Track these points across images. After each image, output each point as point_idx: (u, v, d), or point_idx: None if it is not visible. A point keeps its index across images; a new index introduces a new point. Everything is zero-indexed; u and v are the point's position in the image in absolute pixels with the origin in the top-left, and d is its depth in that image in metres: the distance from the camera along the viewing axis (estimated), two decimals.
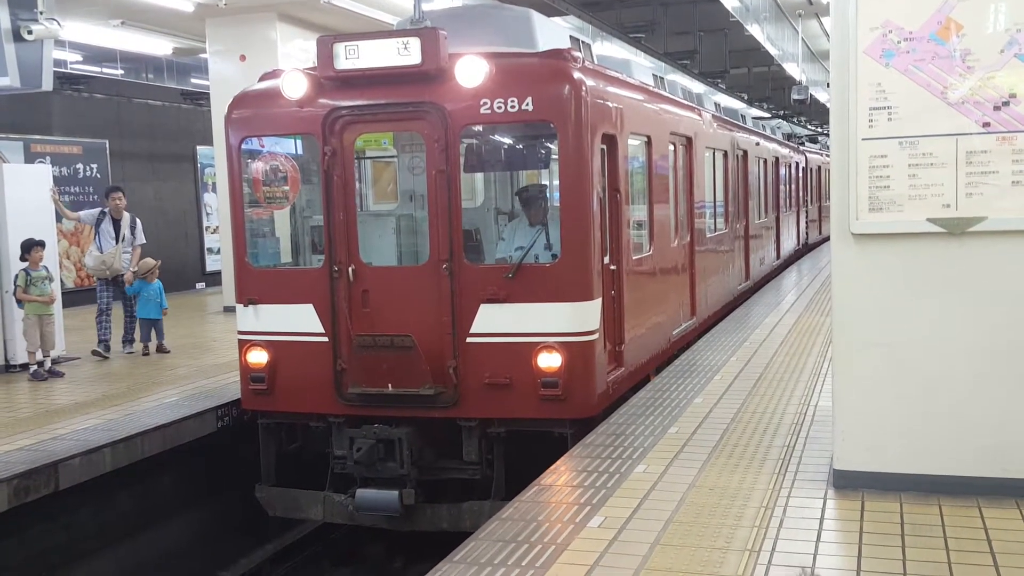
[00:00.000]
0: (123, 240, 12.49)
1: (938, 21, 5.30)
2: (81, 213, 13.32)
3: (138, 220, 12.95)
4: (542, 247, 8.17)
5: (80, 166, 18.93)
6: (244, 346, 8.42)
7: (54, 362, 11.25)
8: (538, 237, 8.23)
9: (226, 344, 12.60)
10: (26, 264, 10.91)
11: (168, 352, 12.51)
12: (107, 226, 12.52)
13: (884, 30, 5.38)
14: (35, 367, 10.89)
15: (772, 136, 21.83)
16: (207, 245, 22.31)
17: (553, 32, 9.13)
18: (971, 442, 5.45)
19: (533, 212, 8.59)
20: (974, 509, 5.26)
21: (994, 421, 5.41)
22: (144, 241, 12.88)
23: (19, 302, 11.00)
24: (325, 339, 8.10)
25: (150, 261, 12.71)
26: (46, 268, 11.07)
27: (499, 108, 7.56)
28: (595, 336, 7.82)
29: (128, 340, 12.69)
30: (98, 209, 12.89)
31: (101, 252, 12.35)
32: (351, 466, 7.99)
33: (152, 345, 12.49)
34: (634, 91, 9.78)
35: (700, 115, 12.88)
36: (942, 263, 5.44)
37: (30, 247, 10.92)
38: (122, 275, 12.42)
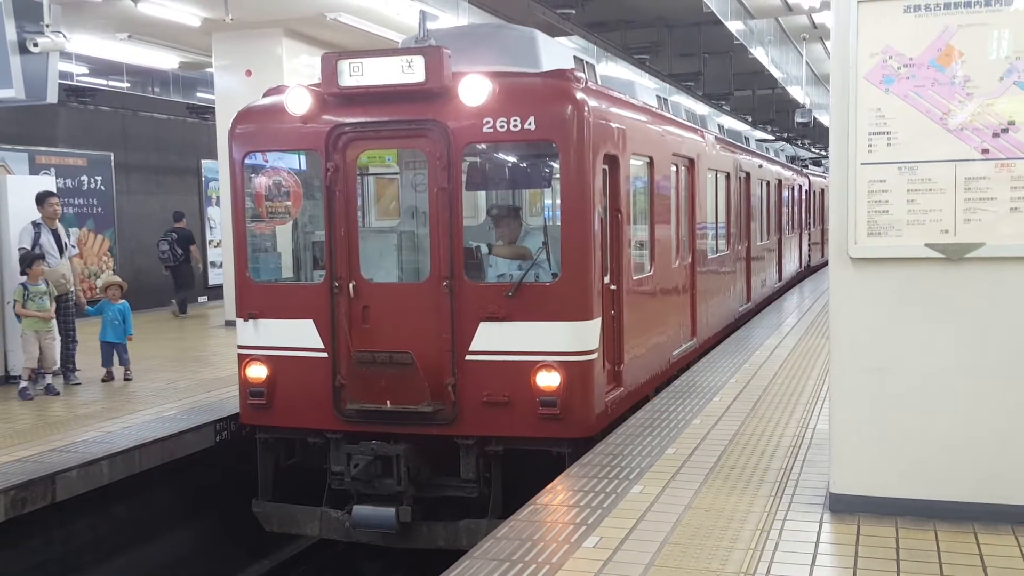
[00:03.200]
0: (67, 249, 11.34)
1: (938, 48, 5.33)
2: (21, 239, 11.13)
3: (68, 228, 11.78)
4: (517, 267, 8.18)
5: (85, 178, 18.99)
6: (244, 360, 8.42)
7: (54, 375, 11.07)
8: (539, 254, 8.25)
9: (226, 358, 12.61)
10: (25, 278, 10.67)
11: (130, 380, 11.50)
12: (47, 239, 11.12)
13: (884, 56, 5.40)
14: (25, 384, 10.56)
15: (775, 159, 21.89)
16: (210, 259, 22.35)
17: (557, 52, 9.17)
18: (968, 468, 5.45)
19: (502, 230, 8.60)
20: (970, 535, 5.25)
21: (991, 447, 5.40)
22: (78, 251, 11.67)
23: (18, 316, 10.81)
24: (324, 355, 8.10)
25: (114, 277, 12.37)
26: (46, 282, 10.76)
27: (501, 127, 7.60)
28: (594, 356, 7.82)
29: (71, 368, 11.41)
30: (28, 223, 11.13)
31: (49, 267, 10.97)
32: (348, 482, 7.98)
33: (118, 371, 11.57)
34: (637, 112, 9.82)
35: (703, 136, 12.92)
36: (940, 288, 5.44)
37: (31, 261, 10.67)
38: (68, 293, 11.28)
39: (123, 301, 11.75)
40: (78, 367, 11.54)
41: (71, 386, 11.20)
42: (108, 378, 11.52)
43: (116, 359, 11.61)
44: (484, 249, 8.61)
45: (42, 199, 11.31)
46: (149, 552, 8.81)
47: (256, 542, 9.47)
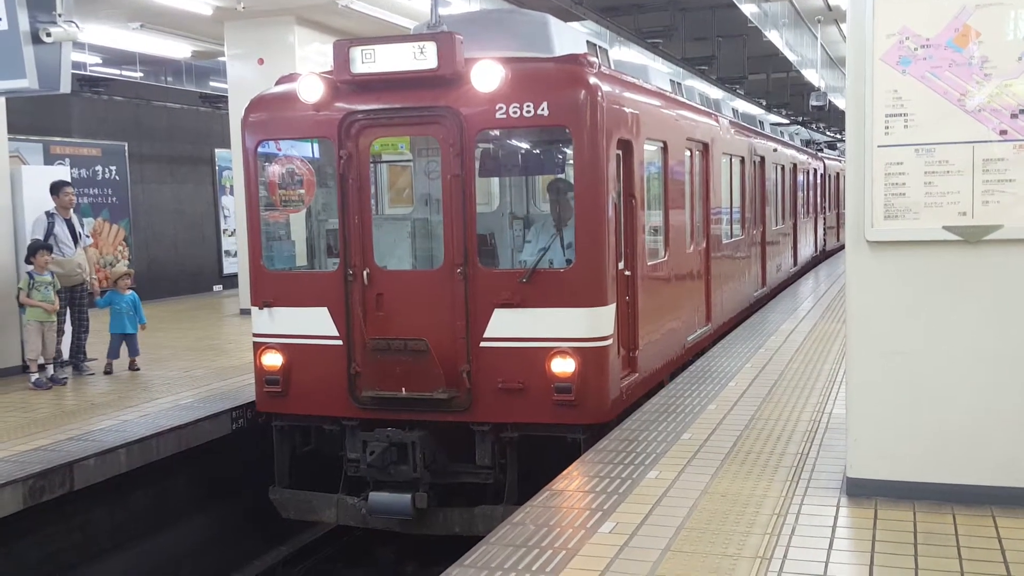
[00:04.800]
0: (81, 239, 11.33)
1: (955, 28, 5.28)
2: (34, 230, 11.12)
3: (82, 218, 11.73)
4: (559, 248, 8.17)
5: (99, 168, 19.03)
6: (259, 348, 8.45)
7: (61, 364, 11.04)
8: (553, 240, 8.24)
9: (242, 346, 12.65)
10: (31, 267, 10.57)
11: (138, 370, 11.35)
12: (62, 229, 11.08)
13: (901, 37, 5.35)
14: (36, 375, 10.54)
15: (790, 142, 21.76)
16: (225, 248, 22.40)
17: (570, 37, 9.12)
18: (986, 451, 5.41)
19: (560, 204, 8.56)
20: (988, 519, 5.23)
21: (1009, 430, 5.36)
22: (92, 240, 11.60)
23: (21, 306, 10.66)
24: (339, 342, 8.12)
25: (121, 268, 12.25)
26: (51, 274, 10.63)
27: (515, 113, 7.57)
28: (609, 342, 7.81)
29: (82, 358, 11.37)
30: (42, 213, 11.12)
31: (64, 257, 10.99)
32: (364, 469, 8.00)
33: (118, 363, 11.34)
34: (651, 96, 9.77)
35: (717, 121, 12.86)
36: (958, 271, 5.40)
37: (36, 250, 10.58)
38: (83, 283, 11.28)
39: (132, 291, 11.64)
40: (92, 357, 11.56)
41: (84, 376, 11.21)
42: (109, 370, 11.27)
43: (126, 349, 11.44)
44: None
45: (57, 189, 11.28)
46: (167, 540, 8.85)
47: (273, 529, 9.51)
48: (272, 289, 8.44)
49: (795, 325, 12.80)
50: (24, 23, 8.53)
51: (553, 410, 7.66)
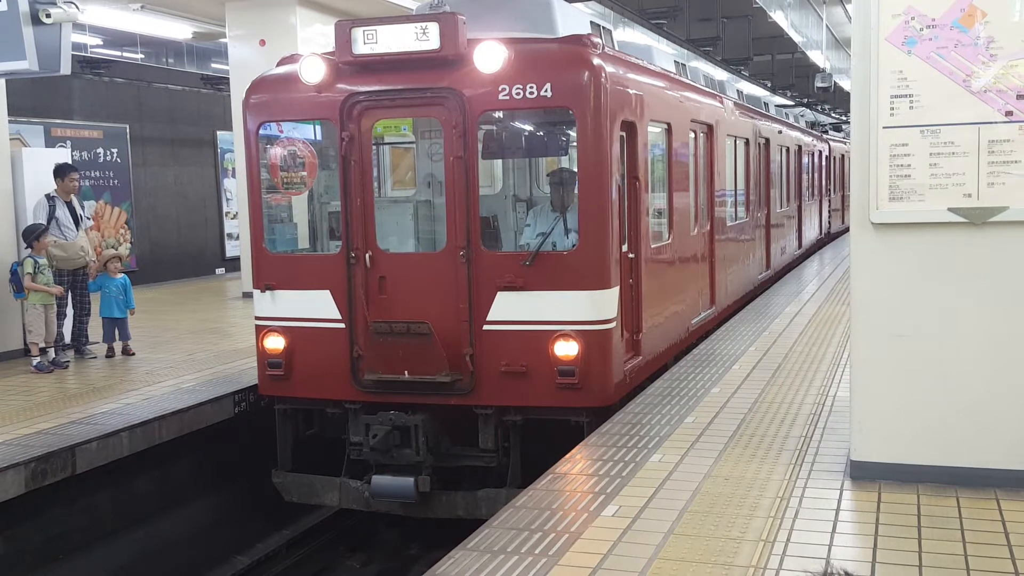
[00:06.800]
0: (82, 222, 11.28)
1: (961, 8, 5.22)
2: (36, 214, 11.04)
3: (83, 201, 11.61)
4: (562, 232, 8.14)
5: (100, 150, 18.99)
6: (261, 331, 8.43)
7: (64, 348, 11.02)
8: (556, 224, 8.21)
9: (244, 329, 12.63)
10: (30, 251, 10.48)
11: (133, 355, 11.26)
12: (63, 212, 11.00)
13: (906, 17, 5.30)
14: (38, 359, 10.46)
15: (795, 124, 21.67)
16: (227, 231, 22.36)
17: (573, 17, 9.06)
18: (990, 434, 5.39)
19: (561, 196, 8.52)
20: (992, 501, 5.21)
21: (1014, 413, 5.34)
22: (93, 223, 11.62)
23: (17, 292, 10.51)
24: (342, 325, 8.09)
25: (111, 251, 12.10)
26: (46, 256, 10.53)
27: (517, 94, 7.52)
28: (612, 325, 7.78)
29: (84, 342, 11.34)
30: (42, 196, 11.04)
31: (66, 240, 10.94)
32: (367, 452, 8.00)
33: (117, 346, 11.28)
34: (655, 78, 9.71)
35: (722, 102, 12.79)
36: (963, 253, 5.37)
37: (39, 234, 10.49)
38: (86, 266, 11.18)
39: (123, 275, 11.52)
40: (94, 340, 11.53)
41: (87, 360, 11.18)
42: (111, 354, 11.25)
43: (117, 333, 11.34)
44: None
45: (63, 173, 11.17)
46: (169, 523, 8.86)
47: (276, 512, 9.51)
48: (274, 272, 8.41)
49: (799, 308, 12.77)
50: (24, 4, 8.50)
51: (556, 393, 7.65)
